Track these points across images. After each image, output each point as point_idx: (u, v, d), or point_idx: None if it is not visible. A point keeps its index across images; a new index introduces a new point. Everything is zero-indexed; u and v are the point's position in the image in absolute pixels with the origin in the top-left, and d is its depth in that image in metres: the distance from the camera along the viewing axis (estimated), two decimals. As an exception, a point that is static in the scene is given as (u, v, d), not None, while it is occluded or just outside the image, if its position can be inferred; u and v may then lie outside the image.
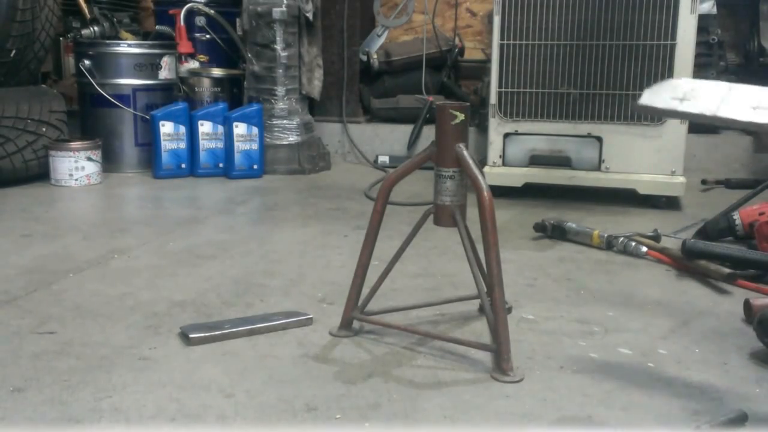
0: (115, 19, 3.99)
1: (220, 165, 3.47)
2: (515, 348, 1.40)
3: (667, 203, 2.84)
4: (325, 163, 3.73)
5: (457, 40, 4.02)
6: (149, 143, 3.46)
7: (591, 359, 1.46)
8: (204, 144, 3.45)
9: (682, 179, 2.81)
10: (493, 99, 2.92)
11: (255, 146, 3.44)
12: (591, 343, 1.53)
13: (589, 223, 2.41)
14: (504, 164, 2.96)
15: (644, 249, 2.17)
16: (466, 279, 1.74)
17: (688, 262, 2.03)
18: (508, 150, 2.95)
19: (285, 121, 3.59)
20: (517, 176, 2.93)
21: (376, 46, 4.04)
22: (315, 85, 3.73)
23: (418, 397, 1.29)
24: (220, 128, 3.45)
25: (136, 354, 1.45)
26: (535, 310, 1.72)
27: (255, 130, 3.44)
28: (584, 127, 2.86)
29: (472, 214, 1.46)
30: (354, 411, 1.23)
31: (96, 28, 3.87)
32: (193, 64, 3.71)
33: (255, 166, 3.46)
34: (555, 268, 2.08)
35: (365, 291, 1.56)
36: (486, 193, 1.39)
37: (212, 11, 3.85)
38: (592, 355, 1.47)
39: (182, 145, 3.42)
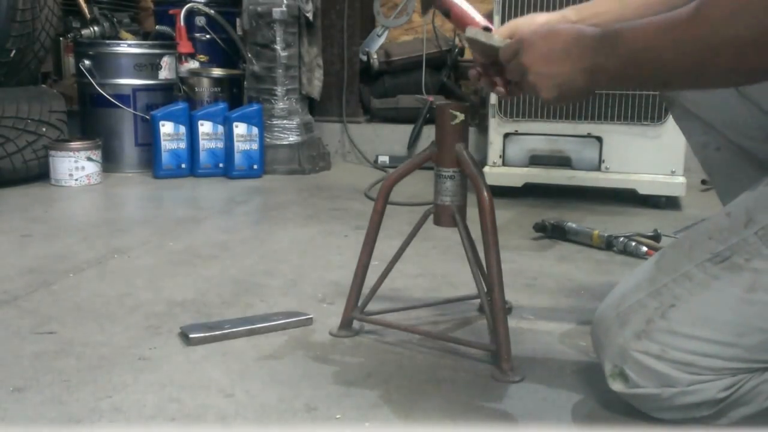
0: (115, 19, 3.99)
1: (220, 165, 3.47)
2: (515, 348, 1.40)
3: (667, 203, 2.84)
4: (325, 163, 3.73)
5: (457, 40, 4.03)
6: (149, 143, 3.46)
7: (591, 359, 1.45)
8: (204, 144, 3.45)
9: (682, 179, 2.81)
10: (493, 99, 2.92)
11: (255, 146, 3.44)
12: (591, 343, 1.53)
13: (589, 223, 2.41)
14: (504, 164, 2.96)
15: (644, 249, 2.17)
16: (466, 279, 1.74)
17: (688, 262, 2.02)
18: (508, 150, 2.95)
19: (285, 121, 3.59)
20: (517, 176, 2.93)
21: (376, 46, 4.04)
22: (315, 85, 3.73)
23: (418, 397, 1.29)
24: (220, 128, 3.45)
25: (136, 354, 1.45)
26: (535, 310, 1.72)
27: (255, 130, 3.44)
28: (584, 127, 2.86)
29: (472, 214, 1.46)
30: (354, 411, 1.23)
31: (96, 28, 3.87)
32: (193, 64, 3.72)
33: (255, 166, 3.46)
34: (555, 268, 2.08)
35: (365, 291, 1.56)
36: (486, 193, 1.39)
37: (212, 11, 3.85)
38: (592, 355, 1.47)
39: (182, 145, 3.42)
